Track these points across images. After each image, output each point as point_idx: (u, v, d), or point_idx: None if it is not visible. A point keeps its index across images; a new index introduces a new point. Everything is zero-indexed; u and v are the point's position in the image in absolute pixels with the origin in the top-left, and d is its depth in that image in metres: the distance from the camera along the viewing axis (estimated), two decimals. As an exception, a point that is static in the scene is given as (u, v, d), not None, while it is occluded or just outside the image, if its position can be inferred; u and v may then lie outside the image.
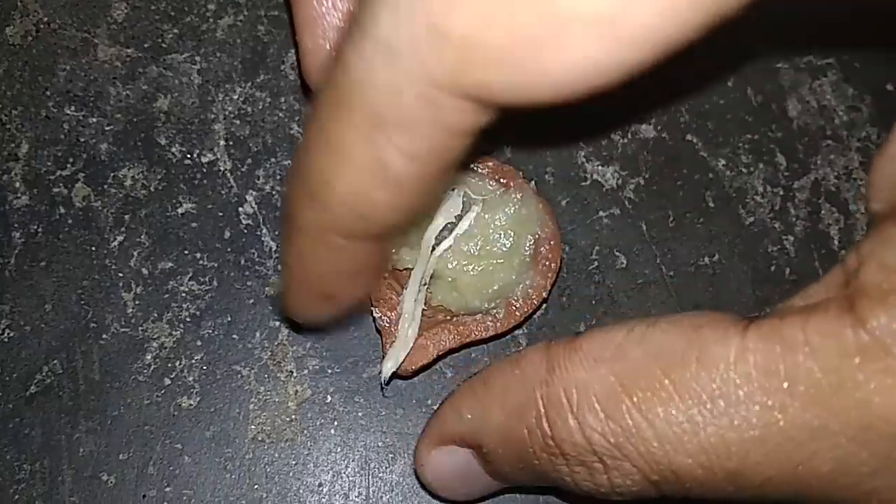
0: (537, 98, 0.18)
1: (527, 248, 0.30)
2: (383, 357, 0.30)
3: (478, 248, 0.29)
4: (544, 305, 0.32)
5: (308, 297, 0.25)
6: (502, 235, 0.29)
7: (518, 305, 0.30)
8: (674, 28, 0.17)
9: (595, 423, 0.22)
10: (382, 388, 0.31)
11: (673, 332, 0.22)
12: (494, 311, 0.30)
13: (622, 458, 0.22)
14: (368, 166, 0.20)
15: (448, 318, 0.30)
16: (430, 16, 0.17)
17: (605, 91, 0.18)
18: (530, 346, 0.31)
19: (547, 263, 0.30)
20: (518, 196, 0.30)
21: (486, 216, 0.30)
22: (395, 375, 0.30)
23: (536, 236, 0.30)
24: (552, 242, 0.30)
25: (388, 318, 0.30)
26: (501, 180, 0.31)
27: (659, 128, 0.34)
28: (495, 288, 0.29)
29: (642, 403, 0.21)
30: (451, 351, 0.30)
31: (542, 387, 0.23)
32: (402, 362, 0.29)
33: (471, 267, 0.29)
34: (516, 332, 0.32)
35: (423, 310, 0.30)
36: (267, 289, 0.31)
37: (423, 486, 0.29)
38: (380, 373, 0.30)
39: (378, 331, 0.30)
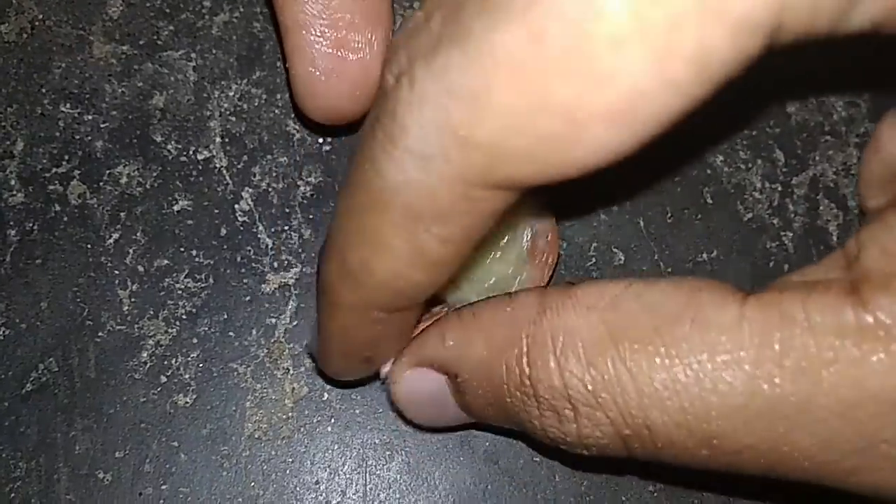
0: (564, 177, 0.19)
1: (524, 242, 0.30)
2: None
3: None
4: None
5: (349, 361, 0.26)
6: (499, 229, 0.29)
7: None
8: (681, 102, 0.18)
9: (575, 368, 0.22)
10: (382, 382, 0.31)
11: (671, 292, 0.22)
12: None
13: (596, 406, 0.22)
14: (407, 254, 0.21)
15: (444, 311, 0.30)
16: (456, 126, 0.18)
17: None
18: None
19: (544, 257, 0.30)
20: None
21: None
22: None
23: (533, 230, 0.30)
24: (549, 236, 0.30)
25: None
26: None
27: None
28: (492, 281, 0.29)
29: (628, 354, 0.22)
30: None
31: (530, 326, 0.23)
32: None
33: (467, 261, 0.29)
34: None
35: None
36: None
37: (390, 405, 0.28)
38: (377, 373, 0.29)
39: None
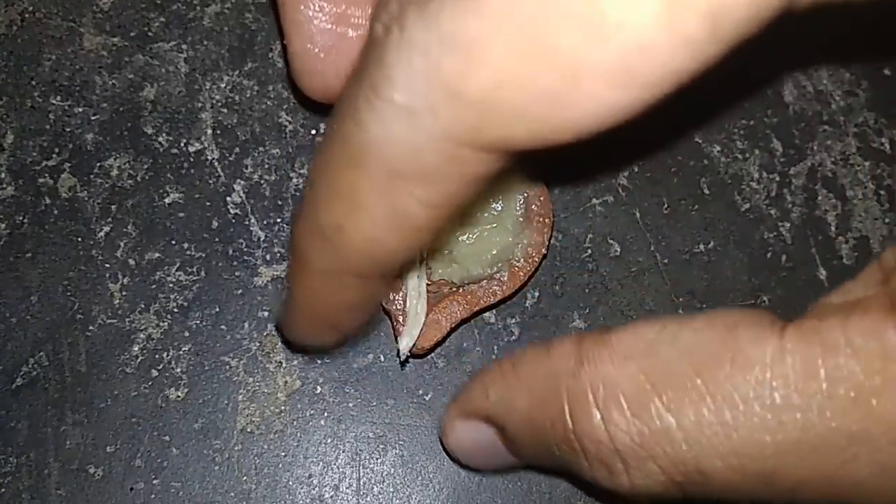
0: (557, 142, 0.18)
1: (518, 208, 0.29)
2: (396, 338, 0.29)
3: (469, 215, 0.29)
4: (538, 294, 0.32)
5: (315, 327, 0.25)
6: (491, 199, 0.29)
7: (520, 265, 0.30)
8: (690, 62, 0.17)
9: (620, 421, 0.21)
10: (403, 366, 0.31)
11: (706, 332, 0.22)
12: (498, 275, 0.29)
13: (647, 458, 0.21)
14: (385, 216, 0.20)
15: (454, 290, 0.30)
16: (446, 78, 0.17)
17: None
18: (528, 341, 0.31)
19: (541, 219, 0.30)
20: None
21: None
22: (410, 355, 0.30)
23: (525, 195, 0.30)
24: (542, 198, 0.30)
25: (394, 299, 0.29)
26: None
27: (652, 114, 0.34)
28: (494, 252, 0.29)
29: (672, 403, 0.21)
30: (463, 321, 0.30)
31: (569, 379, 0.23)
32: (417, 339, 0.29)
33: (465, 236, 0.29)
34: (516, 328, 0.31)
35: (427, 285, 0.29)
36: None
37: (444, 449, 0.29)
38: (397, 353, 0.29)
39: (387, 313, 0.30)
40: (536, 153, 0.19)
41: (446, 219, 0.20)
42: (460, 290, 0.29)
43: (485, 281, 0.29)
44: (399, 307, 0.29)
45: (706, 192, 0.33)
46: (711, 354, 0.21)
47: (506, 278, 0.29)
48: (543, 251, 0.30)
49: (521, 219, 0.29)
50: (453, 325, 0.29)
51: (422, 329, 0.29)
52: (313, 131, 0.33)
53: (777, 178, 0.33)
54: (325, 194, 0.20)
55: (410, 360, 0.31)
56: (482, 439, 0.26)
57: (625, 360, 0.22)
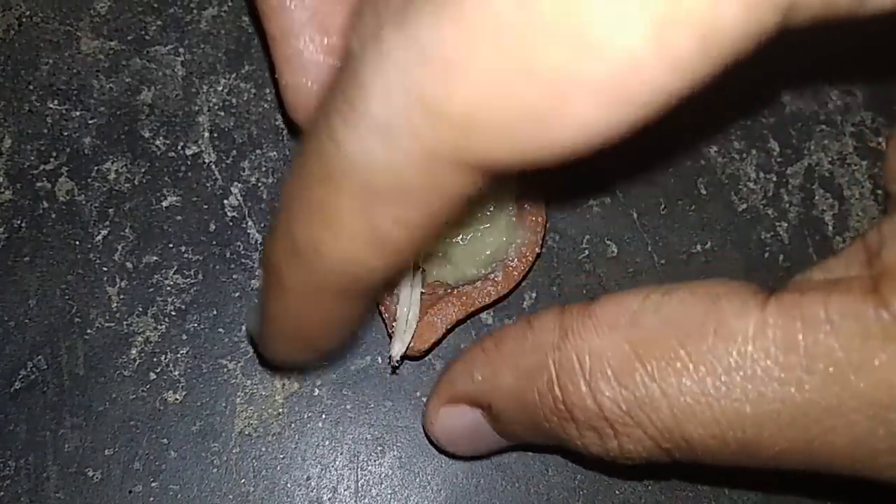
0: (541, 161, 0.17)
1: (510, 207, 0.29)
2: (390, 340, 0.29)
3: (462, 218, 0.29)
4: (535, 295, 0.32)
5: (291, 346, 0.24)
6: (484, 201, 0.29)
7: (514, 265, 0.30)
8: (681, 81, 0.16)
9: (607, 390, 0.22)
10: (394, 371, 0.31)
11: (690, 302, 0.22)
12: (492, 275, 0.30)
13: (633, 424, 0.22)
14: (362, 236, 0.19)
15: (448, 291, 0.30)
16: (426, 95, 0.16)
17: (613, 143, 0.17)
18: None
19: (534, 218, 0.30)
20: None
21: None
22: (406, 357, 0.29)
23: (518, 194, 0.30)
24: (535, 197, 0.30)
25: (389, 303, 0.29)
26: None
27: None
28: (488, 253, 0.29)
29: (656, 372, 0.21)
30: (459, 322, 0.30)
31: (555, 351, 0.23)
32: (411, 343, 0.29)
33: (459, 237, 0.29)
34: (511, 323, 0.31)
35: (421, 291, 0.29)
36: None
37: (430, 441, 0.29)
38: (389, 359, 0.29)
39: (382, 318, 0.30)
40: (520, 172, 0.18)
41: (427, 237, 0.20)
42: (455, 292, 0.30)
43: (479, 282, 0.30)
44: (394, 312, 0.29)
45: (703, 192, 0.33)
46: (695, 325, 0.21)
47: (500, 278, 0.30)
48: (537, 250, 0.30)
49: (514, 218, 0.29)
50: (449, 327, 0.29)
51: (414, 334, 0.29)
52: (310, 134, 0.33)
53: (774, 178, 0.33)
54: (300, 213, 0.20)
55: (408, 361, 0.31)
56: (468, 423, 0.26)
57: (609, 330, 0.22)
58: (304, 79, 0.25)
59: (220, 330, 0.31)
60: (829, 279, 0.22)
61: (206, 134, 0.33)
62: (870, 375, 0.20)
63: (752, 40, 0.16)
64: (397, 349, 0.29)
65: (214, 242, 0.32)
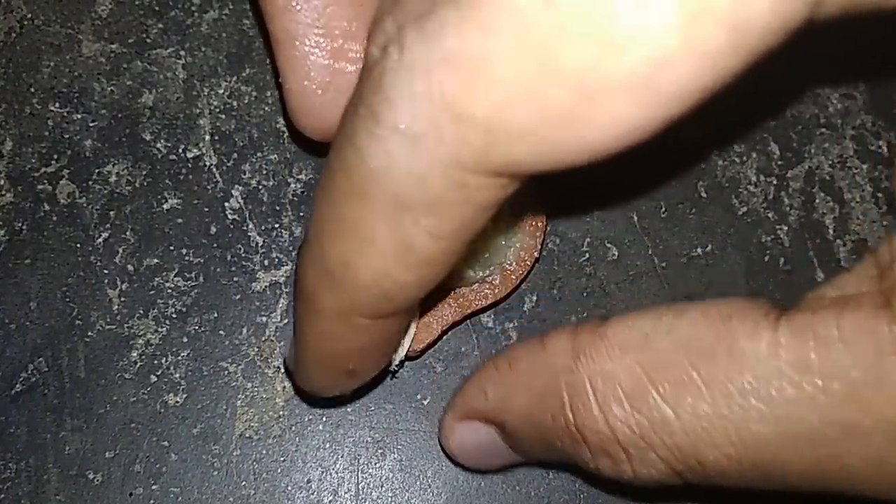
0: (570, 164, 0.17)
1: (509, 211, 0.29)
2: None
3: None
4: (536, 298, 0.32)
5: (329, 374, 0.24)
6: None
7: (512, 269, 0.30)
8: (711, 76, 0.16)
9: (620, 414, 0.22)
10: (392, 376, 0.31)
11: (702, 324, 0.22)
12: (490, 278, 0.29)
13: (646, 447, 0.22)
14: (393, 250, 0.19)
15: (445, 292, 0.30)
16: (450, 100, 0.16)
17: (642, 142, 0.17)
18: (518, 338, 0.31)
19: (533, 222, 0.30)
20: None
21: None
22: (399, 367, 0.29)
23: (517, 197, 0.30)
24: (534, 201, 0.30)
25: None
26: None
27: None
28: (486, 256, 0.29)
29: (669, 395, 0.21)
30: (455, 324, 0.30)
31: (567, 374, 0.23)
32: (409, 346, 0.29)
33: None
34: (514, 332, 0.32)
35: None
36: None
37: (445, 453, 0.29)
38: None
39: None
40: (549, 175, 0.18)
41: (457, 250, 0.19)
42: (452, 294, 0.30)
43: (476, 284, 0.30)
44: None
45: (704, 195, 0.33)
46: (707, 347, 0.21)
47: (497, 282, 0.30)
48: (536, 254, 0.30)
49: (513, 222, 0.29)
50: (444, 329, 0.29)
51: (412, 336, 0.29)
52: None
53: (774, 182, 0.33)
54: (328, 229, 0.20)
55: (406, 364, 0.31)
56: (483, 439, 0.26)
57: (621, 352, 0.22)
58: (309, 82, 0.24)
59: (221, 332, 0.31)
60: (840, 296, 0.21)
61: (207, 137, 0.33)
62: (885, 393, 0.19)
63: (782, 34, 0.16)
64: (397, 355, 0.29)
65: (215, 245, 0.32)
